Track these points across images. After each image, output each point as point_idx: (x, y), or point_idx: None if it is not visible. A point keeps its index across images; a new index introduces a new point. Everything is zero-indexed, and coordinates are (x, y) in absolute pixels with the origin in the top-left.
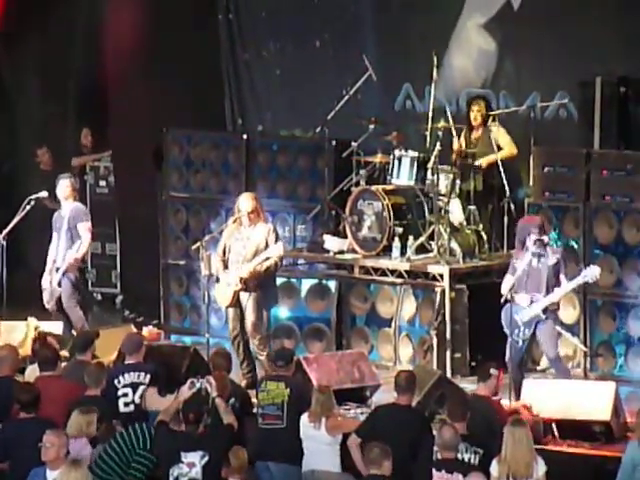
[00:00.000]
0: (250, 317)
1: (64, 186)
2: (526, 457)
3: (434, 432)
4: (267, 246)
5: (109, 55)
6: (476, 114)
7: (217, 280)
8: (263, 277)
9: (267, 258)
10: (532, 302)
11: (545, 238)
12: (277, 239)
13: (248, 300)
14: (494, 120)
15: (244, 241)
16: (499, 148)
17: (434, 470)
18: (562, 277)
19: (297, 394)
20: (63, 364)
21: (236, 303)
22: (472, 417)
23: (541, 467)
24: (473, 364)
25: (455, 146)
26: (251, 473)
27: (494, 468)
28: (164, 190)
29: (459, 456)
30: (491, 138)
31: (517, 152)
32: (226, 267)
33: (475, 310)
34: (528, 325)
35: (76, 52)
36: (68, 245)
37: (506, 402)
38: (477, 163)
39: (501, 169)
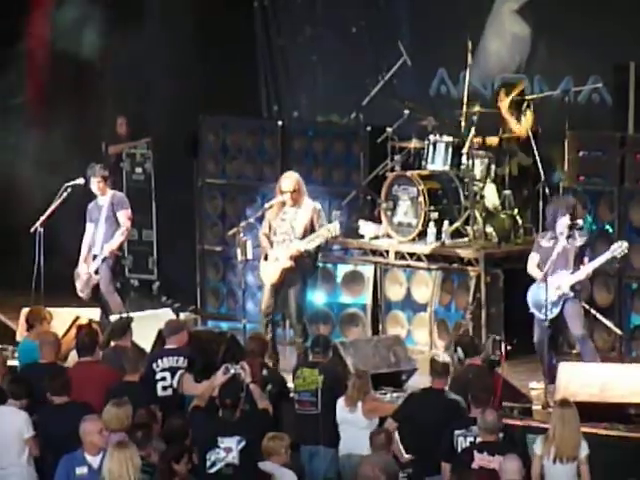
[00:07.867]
0: (294, 301)
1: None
2: (575, 439)
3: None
4: (312, 225)
5: (145, 43)
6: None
7: (265, 258)
8: (309, 258)
9: (319, 236)
10: (559, 281)
11: (579, 222)
12: (320, 217)
13: (294, 283)
14: (528, 106)
15: (291, 221)
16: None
17: (475, 452)
18: (586, 260)
19: (330, 380)
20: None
21: (278, 283)
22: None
23: (584, 449)
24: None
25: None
26: (293, 458)
27: (538, 447)
28: (200, 177)
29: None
30: None
31: (524, 135)
32: (271, 247)
33: (510, 294)
34: (555, 304)
35: (112, 41)
36: (109, 233)
37: (535, 384)
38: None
39: (536, 153)
